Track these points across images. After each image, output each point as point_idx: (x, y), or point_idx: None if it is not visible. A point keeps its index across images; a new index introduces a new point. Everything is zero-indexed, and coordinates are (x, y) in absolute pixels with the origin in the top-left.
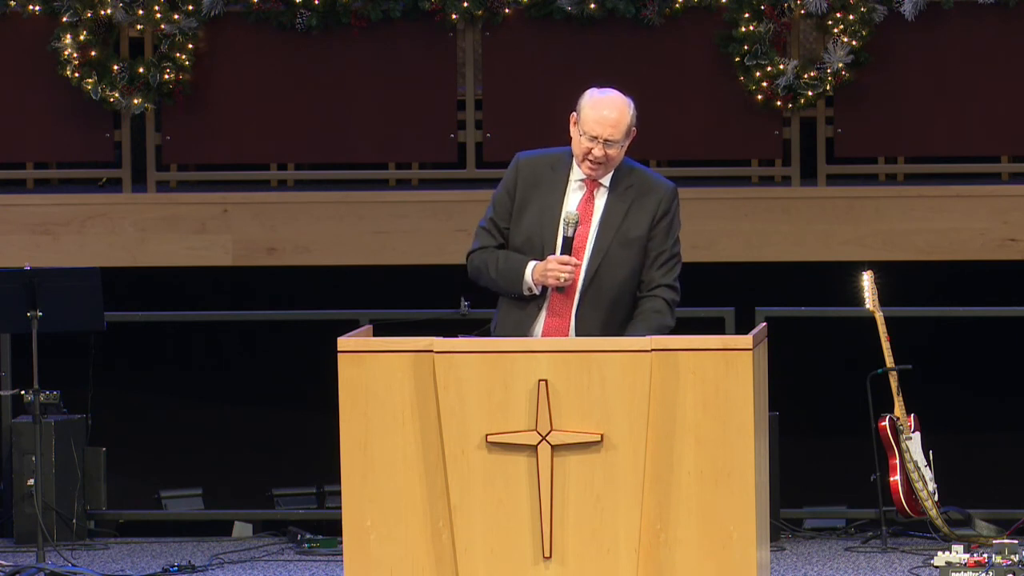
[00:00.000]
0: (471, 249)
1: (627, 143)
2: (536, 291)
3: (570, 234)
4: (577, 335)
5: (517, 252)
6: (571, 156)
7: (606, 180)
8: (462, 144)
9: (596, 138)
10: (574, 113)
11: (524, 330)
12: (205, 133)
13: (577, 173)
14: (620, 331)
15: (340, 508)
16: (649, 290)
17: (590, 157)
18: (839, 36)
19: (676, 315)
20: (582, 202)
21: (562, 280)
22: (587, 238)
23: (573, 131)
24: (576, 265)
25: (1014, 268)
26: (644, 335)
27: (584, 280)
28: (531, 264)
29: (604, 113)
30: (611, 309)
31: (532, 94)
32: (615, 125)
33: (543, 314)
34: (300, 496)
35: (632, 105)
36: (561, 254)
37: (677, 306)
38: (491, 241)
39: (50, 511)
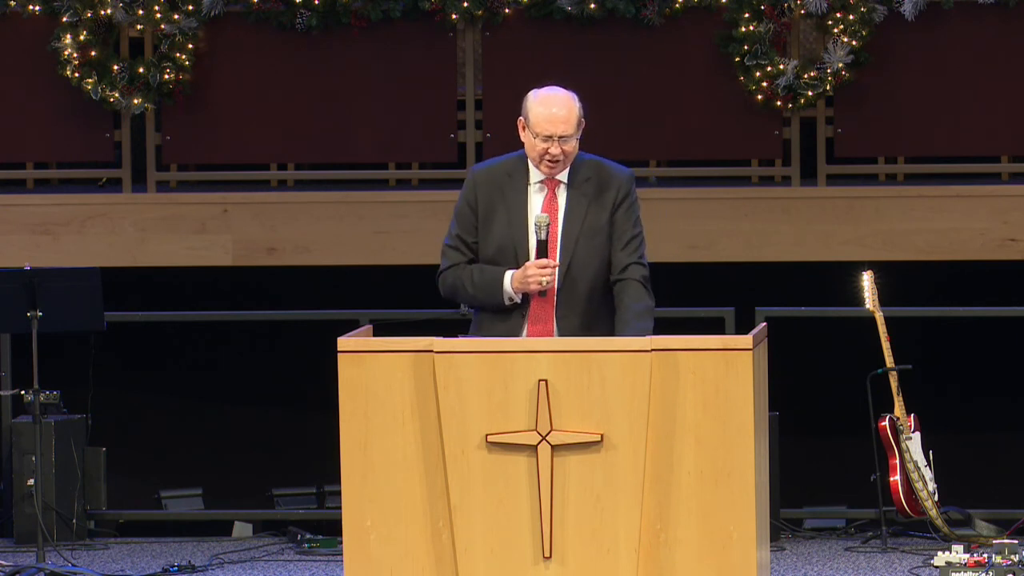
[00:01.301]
0: (441, 269)
1: (579, 134)
2: (517, 300)
3: (543, 236)
4: (560, 334)
5: (490, 263)
6: (525, 160)
7: (564, 176)
8: (462, 144)
9: (550, 137)
10: (521, 118)
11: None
12: (205, 133)
13: (536, 175)
14: (602, 324)
15: (340, 508)
16: (620, 271)
17: (547, 157)
18: (839, 36)
19: (653, 292)
20: (546, 203)
21: (544, 284)
22: (556, 237)
23: (524, 136)
24: (555, 266)
25: (1014, 268)
26: (637, 329)
27: (559, 279)
28: (508, 273)
29: (553, 111)
30: (588, 303)
31: None
32: (566, 120)
33: (527, 322)
34: (300, 496)
35: (576, 98)
36: (537, 258)
37: (649, 281)
38: (460, 258)
39: (50, 511)
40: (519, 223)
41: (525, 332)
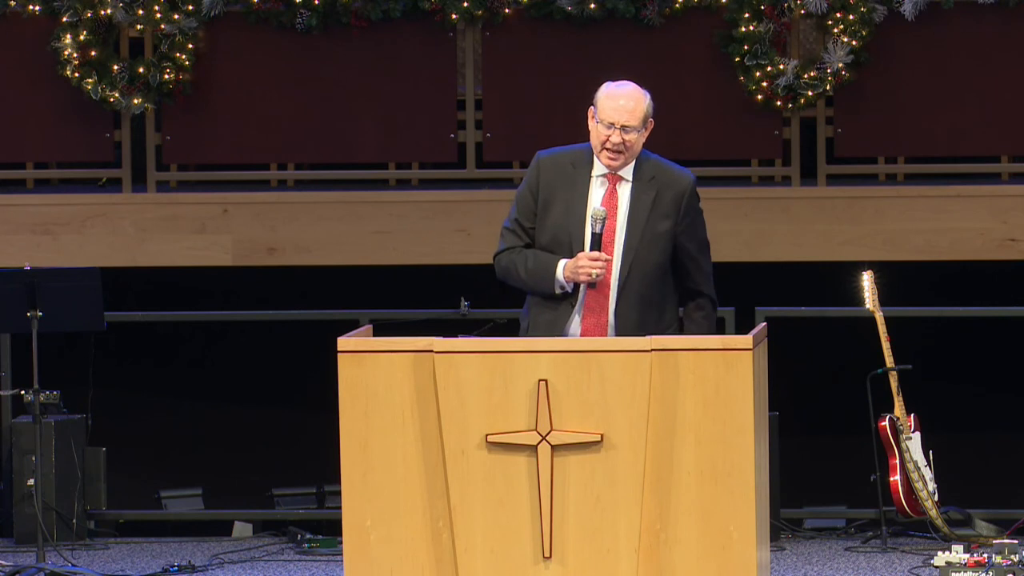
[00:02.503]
0: (497, 251)
1: (645, 133)
2: (568, 289)
3: (598, 230)
4: (617, 333)
5: (544, 251)
6: (591, 152)
7: (628, 173)
8: (462, 144)
9: (613, 125)
10: (591, 107)
11: (558, 330)
12: (205, 133)
13: (599, 168)
14: (655, 322)
15: (340, 508)
16: (695, 299)
17: (608, 145)
18: (839, 36)
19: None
20: (606, 197)
21: (594, 276)
22: (615, 233)
23: (591, 125)
24: (607, 260)
25: (1014, 268)
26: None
27: (619, 277)
28: (562, 262)
29: (621, 102)
30: (646, 304)
31: (532, 94)
32: (632, 111)
33: (577, 313)
34: (300, 496)
35: (648, 96)
36: (591, 250)
37: (716, 306)
38: (517, 241)
39: (50, 511)
40: (577, 214)
41: (575, 323)
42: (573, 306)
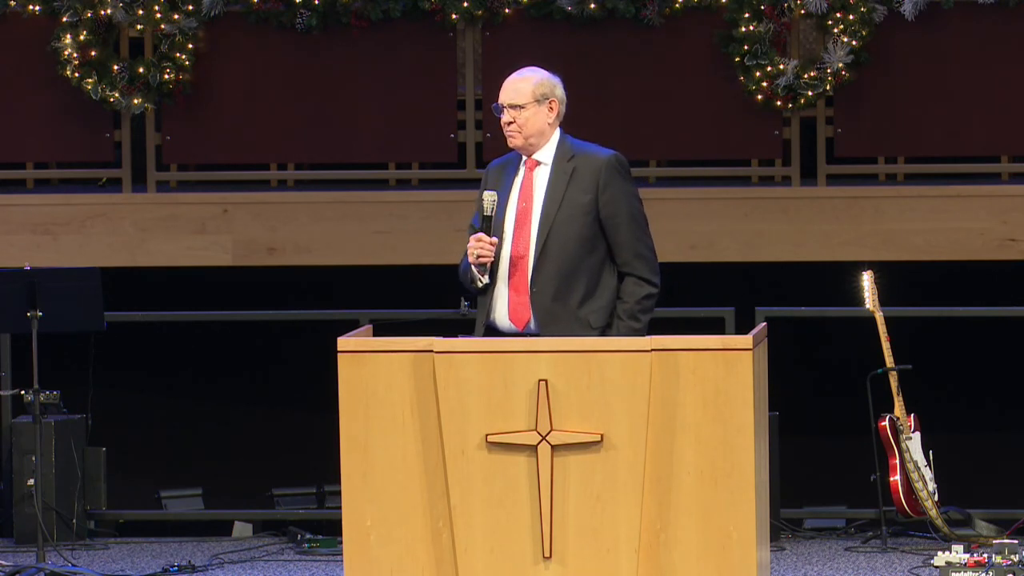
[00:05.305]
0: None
1: (546, 111)
2: (483, 278)
3: (487, 213)
4: (533, 307)
5: None
6: None
7: (547, 157)
8: (462, 144)
9: (504, 107)
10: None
11: (487, 323)
12: (205, 133)
13: (524, 159)
14: (575, 293)
15: (340, 508)
16: (623, 282)
17: (505, 127)
18: (839, 36)
19: (655, 283)
20: (523, 182)
21: (475, 257)
22: (530, 213)
23: None
24: (491, 241)
25: (1014, 268)
26: (628, 329)
27: (535, 250)
28: None
29: (506, 84)
30: (565, 277)
31: None
32: (515, 88)
33: (497, 300)
34: (300, 496)
35: (546, 76)
36: (480, 232)
37: (656, 272)
38: None
39: (50, 511)
40: (503, 204)
41: (499, 307)
42: (490, 299)
